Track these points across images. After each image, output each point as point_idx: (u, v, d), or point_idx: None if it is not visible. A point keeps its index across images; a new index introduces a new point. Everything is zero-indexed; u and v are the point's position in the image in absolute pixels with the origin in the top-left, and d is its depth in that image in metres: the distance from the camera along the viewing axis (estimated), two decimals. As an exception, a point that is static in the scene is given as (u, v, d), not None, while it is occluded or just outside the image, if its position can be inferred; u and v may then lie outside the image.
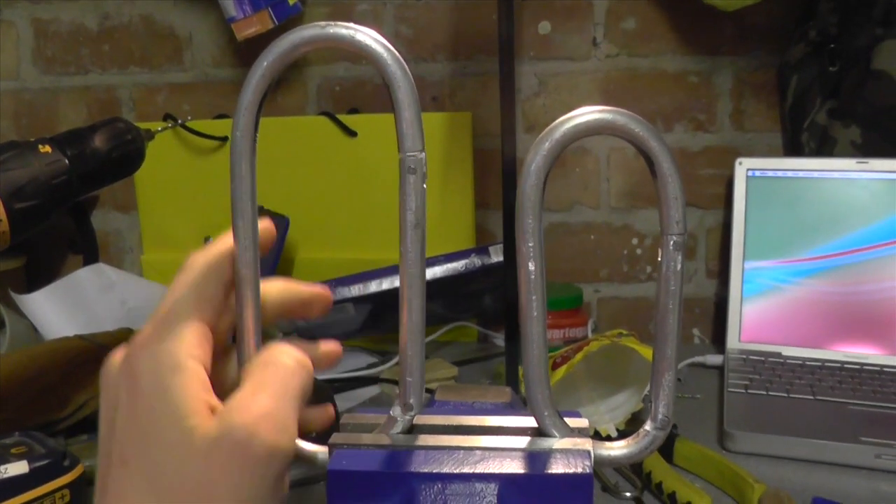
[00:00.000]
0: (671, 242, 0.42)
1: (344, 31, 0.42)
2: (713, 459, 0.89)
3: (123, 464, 0.35)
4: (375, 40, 0.41)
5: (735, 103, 1.39)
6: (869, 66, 1.23)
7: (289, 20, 1.35)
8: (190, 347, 0.38)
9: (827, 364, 1.19)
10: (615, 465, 0.43)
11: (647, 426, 0.44)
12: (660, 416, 0.44)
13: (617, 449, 0.44)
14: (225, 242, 0.43)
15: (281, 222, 1.30)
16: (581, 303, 1.24)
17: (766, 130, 1.39)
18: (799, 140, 1.34)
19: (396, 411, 0.45)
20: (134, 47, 1.50)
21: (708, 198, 1.41)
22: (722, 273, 1.42)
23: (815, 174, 1.25)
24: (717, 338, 1.43)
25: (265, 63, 0.43)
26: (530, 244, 0.41)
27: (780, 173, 1.26)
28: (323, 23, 0.42)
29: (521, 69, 1.40)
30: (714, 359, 1.26)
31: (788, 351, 1.24)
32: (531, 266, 0.42)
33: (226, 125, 1.42)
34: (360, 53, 0.42)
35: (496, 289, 1.21)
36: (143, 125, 1.38)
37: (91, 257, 1.56)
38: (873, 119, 1.25)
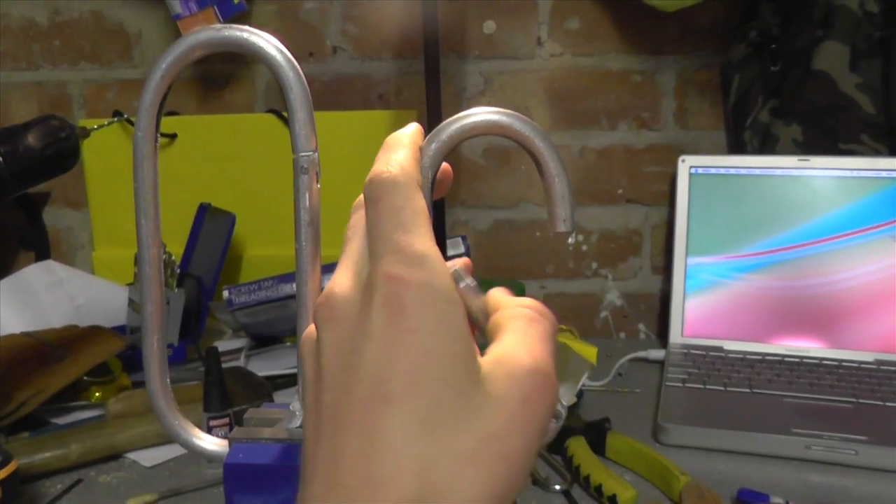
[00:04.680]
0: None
1: (238, 34, 0.42)
2: (643, 453, 0.91)
3: (386, 401, 0.32)
4: (270, 43, 0.42)
5: (679, 102, 1.41)
6: (809, 66, 1.25)
7: (234, 18, 1.35)
8: (450, 278, 0.35)
9: (767, 357, 1.21)
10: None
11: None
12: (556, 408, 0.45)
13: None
14: (411, 152, 0.39)
15: (227, 220, 1.30)
16: (523, 299, 1.25)
17: (709, 129, 1.42)
18: (742, 138, 1.36)
19: (296, 406, 0.46)
20: (84, 43, 1.50)
21: (652, 195, 1.43)
22: (667, 269, 1.43)
23: (758, 171, 1.27)
24: (662, 333, 1.45)
25: (163, 65, 0.43)
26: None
27: (722, 170, 1.28)
28: (219, 25, 0.43)
29: (467, 68, 1.41)
30: (656, 353, 1.27)
31: (730, 345, 1.26)
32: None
33: (175, 122, 1.42)
34: (254, 56, 0.43)
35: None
36: (92, 122, 1.38)
37: (42, 254, 1.55)
38: (814, 117, 1.28)
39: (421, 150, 0.40)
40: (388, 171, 0.36)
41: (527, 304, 0.38)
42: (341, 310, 0.35)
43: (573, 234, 0.41)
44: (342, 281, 0.36)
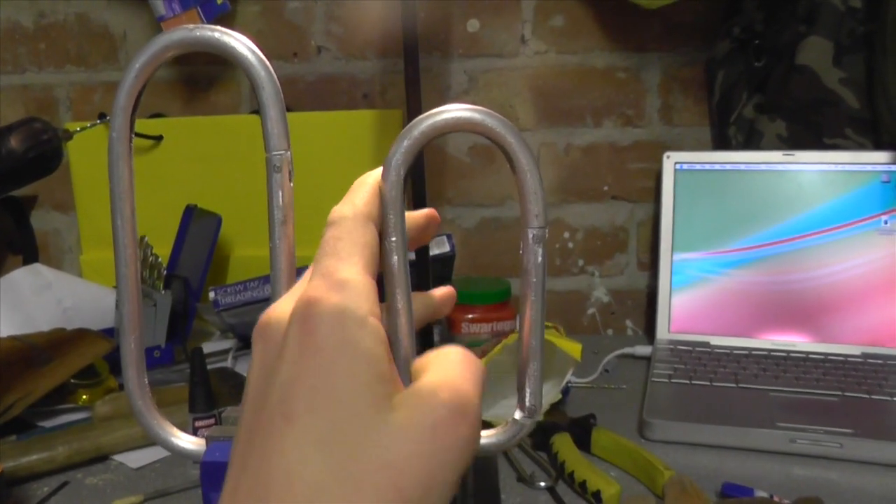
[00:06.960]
0: (531, 235, 0.43)
1: (210, 34, 0.42)
2: (627, 448, 0.91)
3: (288, 419, 0.32)
4: (241, 43, 0.42)
5: (663, 98, 1.41)
6: (793, 61, 1.25)
7: (218, 18, 1.35)
8: (372, 305, 0.35)
9: (753, 352, 1.21)
10: (484, 453, 0.44)
11: (517, 415, 0.45)
12: (527, 405, 0.45)
13: (486, 437, 0.45)
14: (368, 191, 0.40)
15: (213, 221, 1.30)
16: (509, 296, 1.25)
17: (694, 125, 1.42)
18: (726, 134, 1.36)
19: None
20: (70, 46, 1.50)
21: (638, 191, 1.44)
22: (653, 265, 1.44)
23: (742, 167, 1.27)
24: (650, 329, 1.45)
25: (136, 66, 0.43)
26: (392, 239, 0.42)
27: (707, 166, 1.29)
28: (191, 25, 0.43)
29: (451, 66, 1.41)
30: (643, 349, 1.28)
31: (716, 340, 1.26)
32: (394, 260, 0.43)
33: (160, 124, 1.42)
34: (226, 56, 0.42)
35: (442, 280, 1.22)
36: (76, 124, 1.38)
37: (31, 257, 1.55)
38: (798, 113, 1.28)
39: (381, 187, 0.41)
40: (341, 210, 0.38)
41: (454, 348, 0.37)
42: (271, 331, 0.36)
43: (544, 229, 0.41)
44: (281, 304, 0.37)
